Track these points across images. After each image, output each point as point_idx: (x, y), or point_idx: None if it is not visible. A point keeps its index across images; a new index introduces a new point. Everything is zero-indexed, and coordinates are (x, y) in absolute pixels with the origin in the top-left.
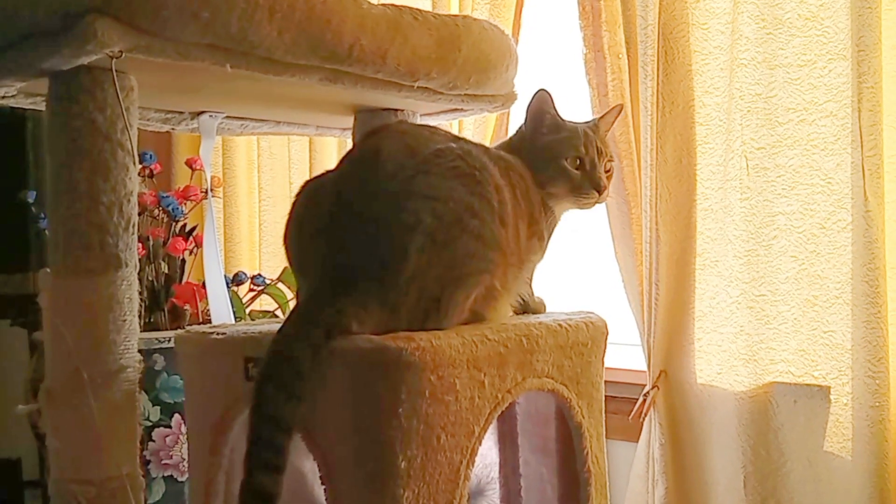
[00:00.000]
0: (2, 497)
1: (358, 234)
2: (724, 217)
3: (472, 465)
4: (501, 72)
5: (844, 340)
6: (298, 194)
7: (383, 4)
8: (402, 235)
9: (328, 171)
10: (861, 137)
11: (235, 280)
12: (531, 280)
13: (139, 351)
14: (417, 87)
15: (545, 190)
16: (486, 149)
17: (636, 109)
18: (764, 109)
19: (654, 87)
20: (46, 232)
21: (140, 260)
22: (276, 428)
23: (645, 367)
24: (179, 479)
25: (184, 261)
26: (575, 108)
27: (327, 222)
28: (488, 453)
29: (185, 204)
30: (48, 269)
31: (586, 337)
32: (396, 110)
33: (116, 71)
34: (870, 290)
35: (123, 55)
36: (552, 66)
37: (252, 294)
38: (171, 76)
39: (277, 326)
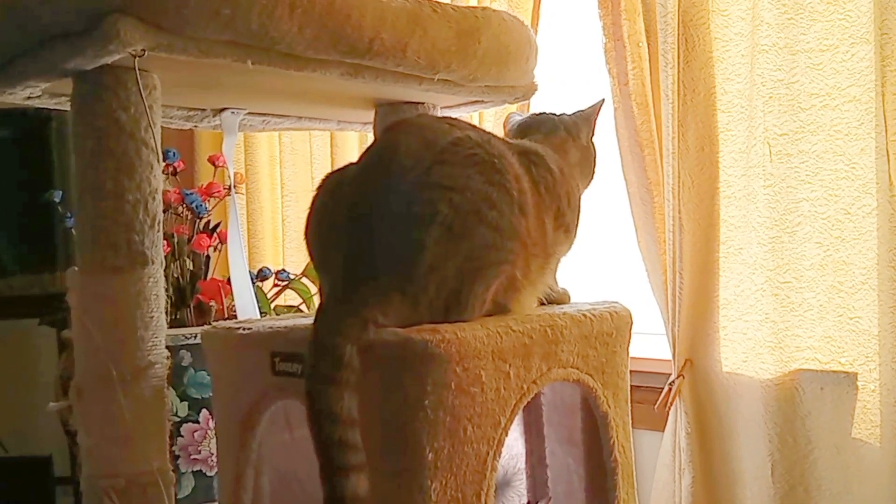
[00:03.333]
0: (33, 494)
1: (377, 228)
2: (747, 204)
3: (499, 456)
4: (521, 63)
5: (871, 326)
6: (319, 188)
7: None
8: (419, 227)
9: (349, 165)
10: (885, 122)
11: (260, 275)
12: (556, 271)
13: (166, 347)
14: (438, 80)
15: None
16: (508, 140)
17: (657, 98)
18: (786, 95)
19: (674, 75)
20: (73, 231)
21: (165, 257)
22: (339, 423)
23: (670, 357)
24: (208, 473)
25: (208, 257)
26: (596, 98)
27: (347, 216)
28: (514, 444)
29: (209, 201)
30: (76, 268)
31: (611, 326)
32: (417, 103)
33: (139, 70)
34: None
35: (146, 54)
36: (572, 56)
37: (277, 289)
38: (193, 73)
39: (302, 320)
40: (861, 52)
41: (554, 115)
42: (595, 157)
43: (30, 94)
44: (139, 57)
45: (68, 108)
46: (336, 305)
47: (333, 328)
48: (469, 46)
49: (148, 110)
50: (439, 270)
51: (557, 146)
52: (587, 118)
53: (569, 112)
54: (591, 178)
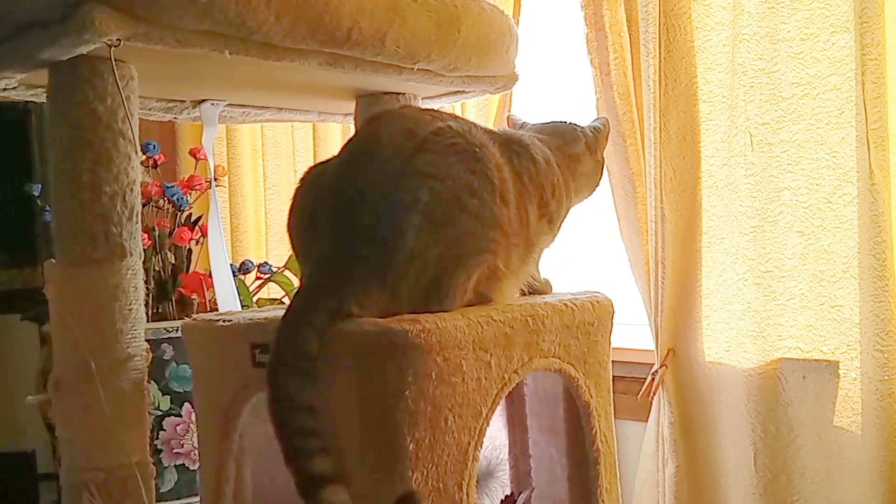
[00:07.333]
0: (17, 490)
1: (358, 218)
2: (729, 194)
3: (481, 446)
4: (502, 52)
5: (852, 315)
6: (301, 181)
7: None
8: (400, 215)
9: (332, 158)
10: (865, 110)
11: (242, 268)
12: (538, 261)
13: (148, 341)
14: (418, 70)
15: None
16: (491, 131)
17: (639, 88)
18: (767, 84)
19: (656, 64)
20: (51, 224)
21: (146, 250)
22: (298, 411)
23: (653, 347)
24: (191, 467)
25: (190, 251)
26: (577, 88)
27: (328, 208)
28: (497, 435)
29: (190, 194)
30: (54, 261)
31: (592, 316)
32: (398, 94)
33: (116, 60)
34: (877, 264)
35: (122, 43)
36: (553, 46)
37: (259, 282)
38: (170, 64)
39: (283, 312)
40: (841, 40)
41: (576, 125)
42: (602, 172)
43: (5, 86)
44: (115, 47)
45: (44, 100)
46: (308, 295)
47: (302, 318)
48: (449, 36)
49: (125, 101)
50: (420, 258)
51: (572, 155)
52: (605, 136)
53: (584, 124)
54: (594, 190)
